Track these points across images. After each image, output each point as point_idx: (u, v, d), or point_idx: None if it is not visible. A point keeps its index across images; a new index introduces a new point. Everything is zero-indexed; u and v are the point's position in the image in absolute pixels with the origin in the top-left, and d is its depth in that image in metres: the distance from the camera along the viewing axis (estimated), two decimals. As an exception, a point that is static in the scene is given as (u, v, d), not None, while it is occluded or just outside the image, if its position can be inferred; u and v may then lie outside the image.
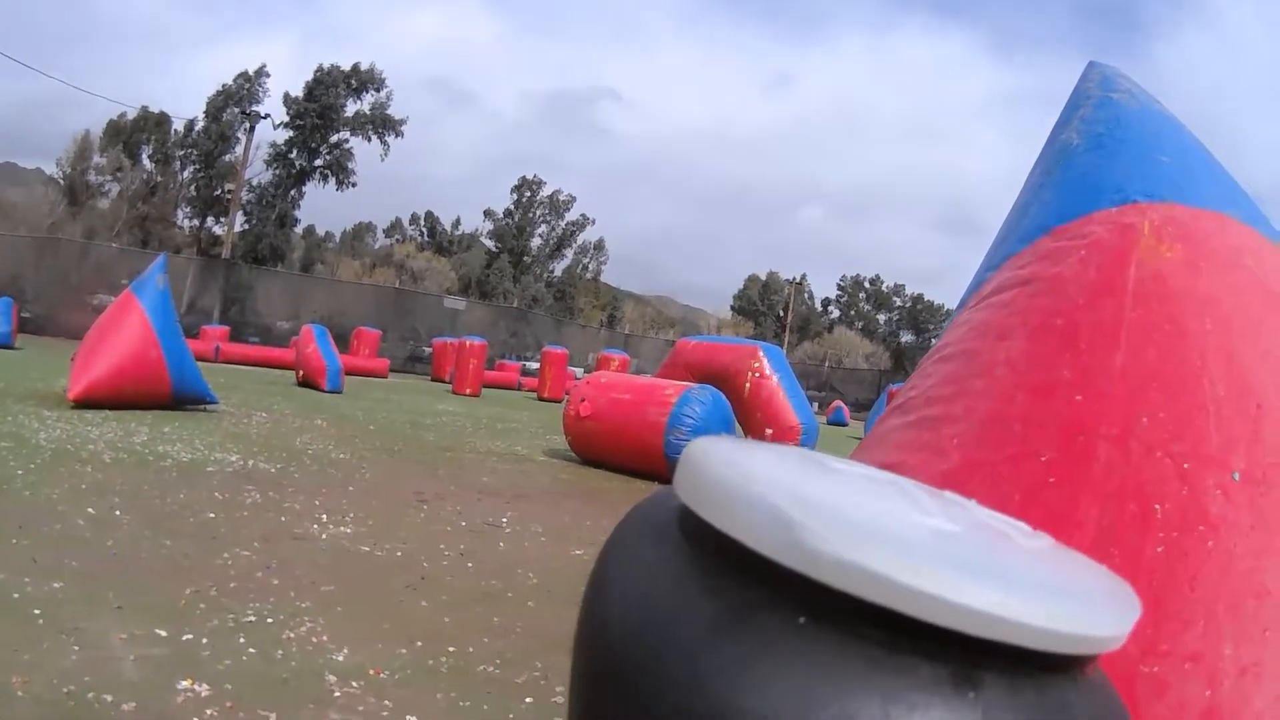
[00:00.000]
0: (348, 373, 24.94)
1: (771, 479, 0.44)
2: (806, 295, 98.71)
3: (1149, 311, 1.39)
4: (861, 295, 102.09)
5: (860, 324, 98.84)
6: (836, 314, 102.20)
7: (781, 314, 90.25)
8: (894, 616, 0.39)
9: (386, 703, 3.78)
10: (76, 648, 3.88)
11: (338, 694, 3.80)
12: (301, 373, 23.46)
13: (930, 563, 0.39)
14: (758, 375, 21.37)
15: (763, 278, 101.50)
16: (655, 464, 11.89)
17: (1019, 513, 0.58)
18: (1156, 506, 1.19)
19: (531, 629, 5.03)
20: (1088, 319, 1.42)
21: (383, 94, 71.29)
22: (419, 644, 4.52)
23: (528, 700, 4.05)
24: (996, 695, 0.40)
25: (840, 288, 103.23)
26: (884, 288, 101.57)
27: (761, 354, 22.05)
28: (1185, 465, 1.22)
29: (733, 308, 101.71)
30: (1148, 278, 1.44)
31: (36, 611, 4.24)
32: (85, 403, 11.92)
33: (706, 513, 0.44)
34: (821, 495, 0.43)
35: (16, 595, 4.43)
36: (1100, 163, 1.79)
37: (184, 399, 13.34)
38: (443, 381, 35.53)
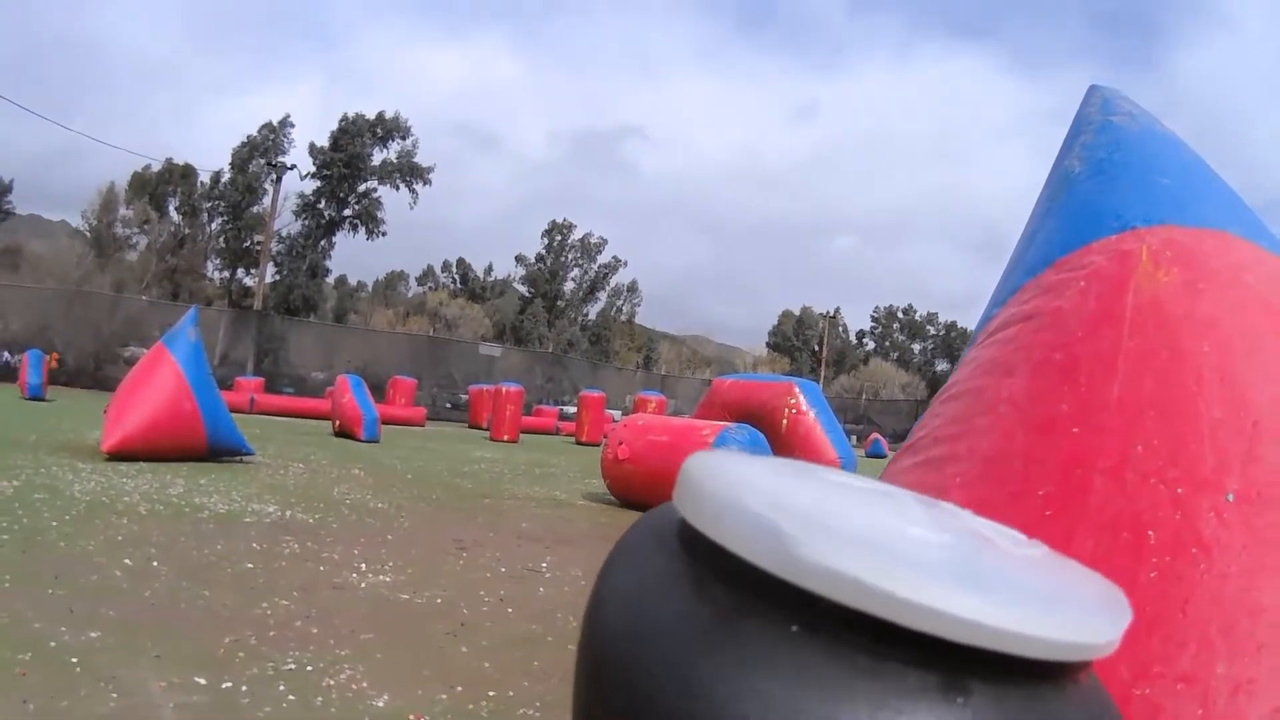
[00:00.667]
0: (384, 422, 25.03)
1: (762, 490, 0.45)
2: (841, 328, 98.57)
3: (1146, 339, 1.42)
4: (895, 326, 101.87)
5: (895, 355, 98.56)
6: (871, 346, 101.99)
7: (816, 348, 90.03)
8: (882, 624, 0.40)
9: (427, 749, 3.80)
10: (115, 695, 3.91)
11: (378, 741, 3.83)
12: (338, 423, 23.59)
13: (913, 571, 0.40)
14: (795, 411, 21.29)
15: (796, 312, 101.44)
16: None
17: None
18: (1150, 533, 1.21)
19: (571, 673, 5.01)
20: (1087, 351, 1.44)
21: (408, 142, 72.12)
22: (459, 689, 4.54)
23: (567, 743, 4.05)
24: (984, 702, 0.40)
25: (874, 319, 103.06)
26: (917, 317, 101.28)
27: (798, 390, 21.98)
28: (1179, 490, 1.24)
29: (768, 344, 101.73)
30: (1145, 304, 1.47)
31: (74, 660, 4.28)
32: (119, 455, 12.02)
33: (700, 523, 0.46)
34: (810, 505, 0.45)
35: (54, 644, 4.48)
36: (1101, 189, 1.81)
37: (219, 451, 13.42)
38: (480, 428, 35.59)
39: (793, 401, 21.39)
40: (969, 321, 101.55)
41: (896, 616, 0.39)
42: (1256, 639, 1.11)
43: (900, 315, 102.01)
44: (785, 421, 21.22)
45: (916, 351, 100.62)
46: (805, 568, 0.41)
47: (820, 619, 0.41)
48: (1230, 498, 1.25)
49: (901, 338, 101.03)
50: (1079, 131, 2.07)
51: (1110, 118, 2.05)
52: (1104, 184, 1.83)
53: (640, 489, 12.56)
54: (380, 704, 4.21)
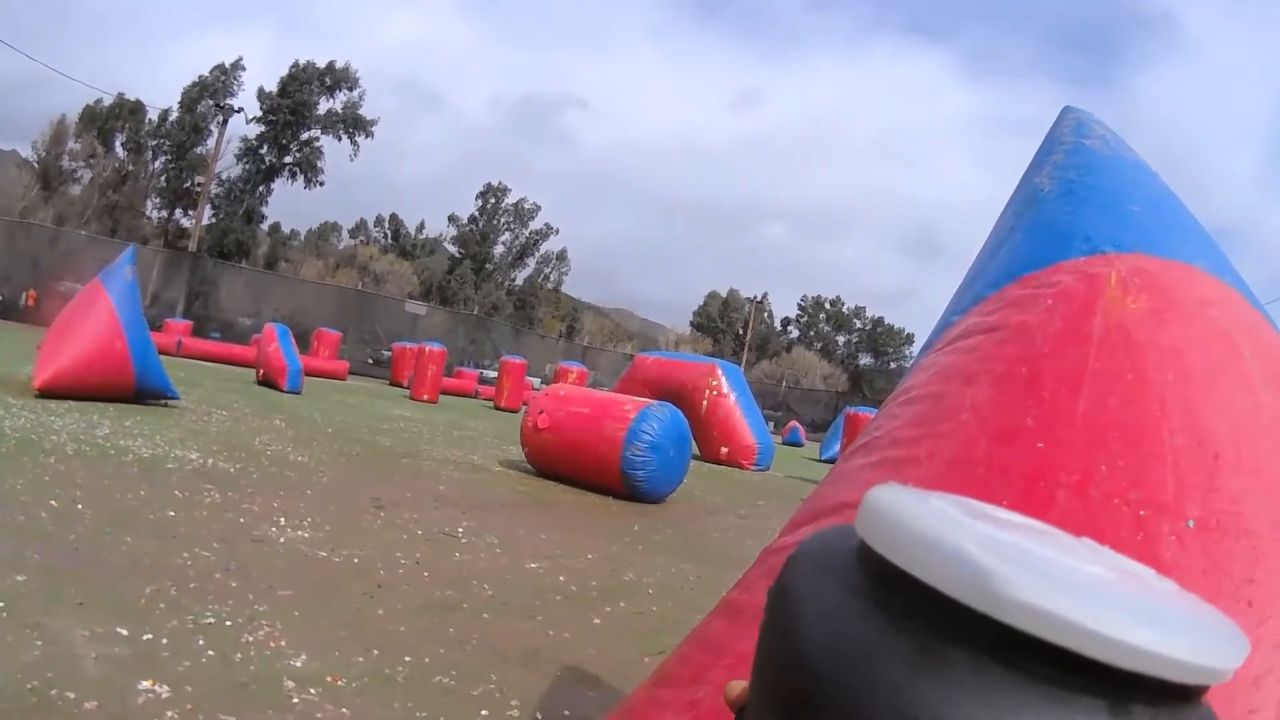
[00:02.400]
0: (307, 374, 24.83)
1: (964, 526, 0.48)
2: (766, 314, 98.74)
3: (1112, 361, 1.44)
4: (822, 316, 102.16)
5: (819, 345, 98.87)
6: (796, 334, 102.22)
7: (741, 332, 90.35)
8: (1064, 654, 0.43)
9: (344, 710, 3.77)
10: (39, 643, 3.84)
11: (296, 700, 3.78)
12: (262, 371, 23.32)
13: (1105, 608, 0.43)
14: (715, 393, 21.55)
15: (723, 294, 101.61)
16: (611, 479, 11.83)
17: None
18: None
19: (487, 642, 5.02)
20: (1052, 367, 1.47)
21: (355, 93, 71.33)
22: (375, 652, 4.51)
23: (483, 713, 4.04)
24: None
25: (801, 307, 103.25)
26: (844, 309, 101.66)
27: (719, 372, 22.20)
28: (1141, 513, 1.26)
29: (692, 323, 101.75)
30: (1112, 328, 1.49)
31: (0, 604, 4.21)
32: (50, 392, 11.85)
33: (898, 557, 0.48)
34: (1004, 543, 0.47)
35: (-22, 587, 4.41)
36: (1070, 210, 1.84)
37: (146, 393, 13.23)
38: (401, 386, 35.36)
39: (714, 383, 21.66)
40: (896, 318, 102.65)
41: (1081, 647, 0.43)
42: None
43: (828, 306, 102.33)
44: (705, 402, 21.48)
45: (841, 343, 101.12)
46: (1007, 603, 0.43)
47: (1013, 650, 0.44)
48: (1190, 524, 1.27)
49: (827, 328, 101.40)
50: (1050, 151, 2.10)
51: (1083, 140, 2.07)
52: (1074, 205, 1.86)
53: (558, 459, 12.55)
54: (298, 664, 4.17)
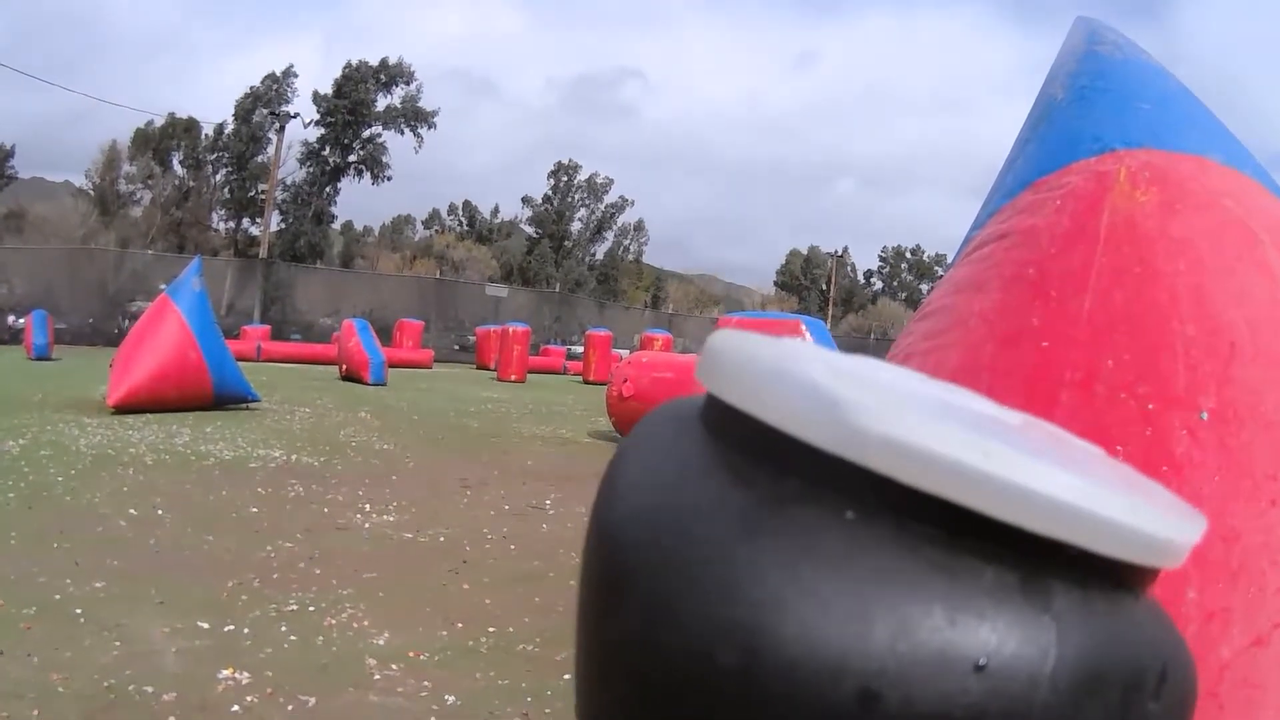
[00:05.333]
0: (391, 365, 24.99)
1: (809, 355, 0.39)
2: (849, 268, 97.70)
3: (1120, 256, 1.38)
4: (904, 266, 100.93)
5: (904, 295, 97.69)
6: (879, 286, 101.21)
7: (825, 288, 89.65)
8: (953, 512, 0.34)
9: (426, 683, 3.83)
10: (118, 643, 3.95)
11: (377, 677, 3.85)
12: (345, 367, 23.54)
13: (1002, 444, 0.34)
14: None
15: (804, 252, 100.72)
16: None
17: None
18: (1119, 448, 1.19)
19: (573, 607, 5.02)
20: (1059, 266, 1.41)
21: (412, 87, 71.38)
22: (459, 626, 4.57)
23: (565, 677, 4.07)
24: (1070, 608, 0.35)
25: (882, 259, 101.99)
26: (925, 258, 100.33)
27: (804, 327, 21.92)
28: (1150, 406, 1.21)
29: (776, 283, 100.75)
30: (1120, 223, 1.43)
31: (78, 611, 4.32)
32: (126, 408, 12.02)
33: (732, 395, 0.39)
34: (866, 372, 0.39)
35: (58, 597, 4.52)
36: (1081, 114, 1.78)
37: (226, 399, 13.44)
38: (487, 369, 35.55)
39: (802, 339, 21.48)
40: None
41: (979, 499, 0.33)
42: (1230, 567, 1.07)
43: (909, 256, 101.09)
44: None
45: (925, 291, 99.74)
46: (865, 439, 0.34)
47: (882, 504, 0.35)
48: (1205, 416, 1.22)
49: (910, 278, 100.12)
50: (1063, 61, 2.03)
51: (1095, 47, 2.01)
52: (1084, 109, 1.79)
53: None
54: (380, 642, 4.24)
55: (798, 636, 0.33)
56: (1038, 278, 1.43)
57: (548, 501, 8.23)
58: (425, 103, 71.95)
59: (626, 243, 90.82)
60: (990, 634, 0.33)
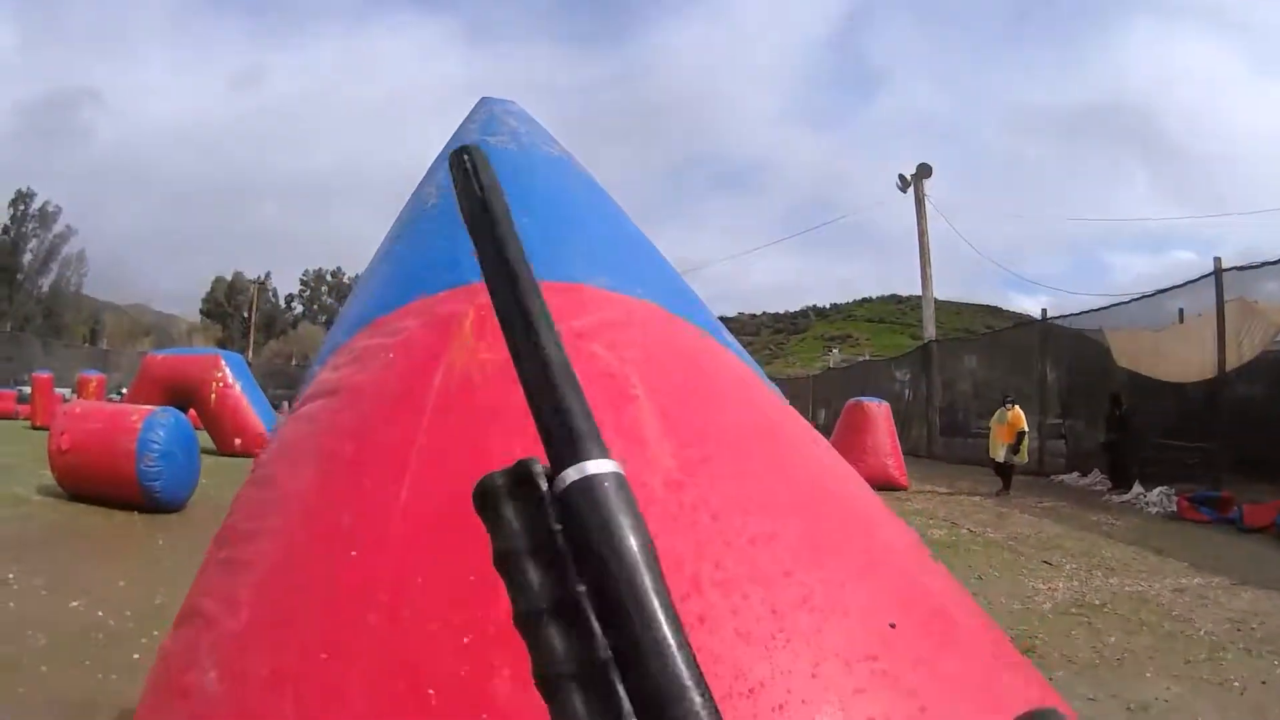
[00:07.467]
0: None
1: None
2: (271, 293, 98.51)
3: (444, 432, 1.19)
4: (324, 289, 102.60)
5: (324, 318, 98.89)
6: (300, 310, 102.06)
7: (246, 315, 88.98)
8: None
9: None
10: None
11: None
12: None
13: None
14: (222, 385, 21.89)
15: (228, 278, 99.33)
16: (132, 493, 11.26)
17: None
18: (430, 691, 0.99)
19: (55, 697, 4.68)
20: (380, 442, 1.20)
21: None
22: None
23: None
24: None
25: (304, 283, 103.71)
26: (345, 279, 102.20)
27: (223, 363, 22.30)
28: (465, 639, 1.01)
29: (202, 311, 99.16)
30: (454, 386, 1.24)
31: None
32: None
33: None
34: None
35: None
36: (442, 229, 1.57)
37: None
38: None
39: (219, 375, 22.13)
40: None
41: None
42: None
43: (329, 278, 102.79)
44: (214, 395, 21.44)
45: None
46: None
47: None
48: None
49: (330, 300, 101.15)
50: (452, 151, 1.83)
51: (488, 138, 1.80)
52: (449, 223, 1.57)
53: (85, 479, 11.76)
54: None
55: None
56: (356, 457, 1.21)
57: (11, 575, 7.33)
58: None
59: (68, 274, 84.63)
60: None
